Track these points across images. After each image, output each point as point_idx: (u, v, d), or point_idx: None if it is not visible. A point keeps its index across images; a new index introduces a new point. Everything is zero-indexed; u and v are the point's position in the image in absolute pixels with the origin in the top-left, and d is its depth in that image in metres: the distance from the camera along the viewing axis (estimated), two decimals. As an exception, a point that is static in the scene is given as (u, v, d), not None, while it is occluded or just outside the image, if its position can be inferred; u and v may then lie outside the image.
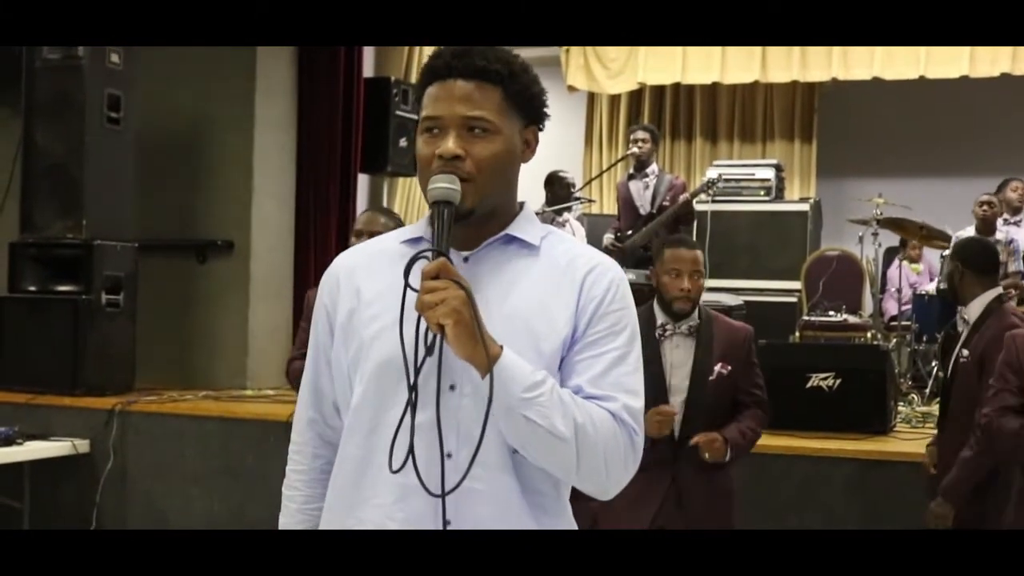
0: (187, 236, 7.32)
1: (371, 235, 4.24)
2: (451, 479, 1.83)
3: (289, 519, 2.13)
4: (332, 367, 2.04)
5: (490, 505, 1.88)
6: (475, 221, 1.94)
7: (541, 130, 2.05)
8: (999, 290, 4.54)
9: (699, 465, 3.99)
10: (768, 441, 5.27)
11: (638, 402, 1.93)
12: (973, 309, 4.46)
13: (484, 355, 1.79)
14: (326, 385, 2.07)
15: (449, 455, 1.85)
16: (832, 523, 4.97)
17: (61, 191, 6.34)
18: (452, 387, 1.89)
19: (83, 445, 6.01)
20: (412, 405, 1.83)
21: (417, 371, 1.82)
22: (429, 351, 1.82)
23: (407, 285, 1.83)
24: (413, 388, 1.83)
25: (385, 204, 8.91)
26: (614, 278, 1.97)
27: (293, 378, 4.50)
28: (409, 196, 10.22)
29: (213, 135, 7.33)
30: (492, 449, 1.87)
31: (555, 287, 1.94)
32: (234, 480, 5.82)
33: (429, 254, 1.83)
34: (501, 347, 1.82)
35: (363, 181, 8.38)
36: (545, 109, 2.03)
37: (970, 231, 7.75)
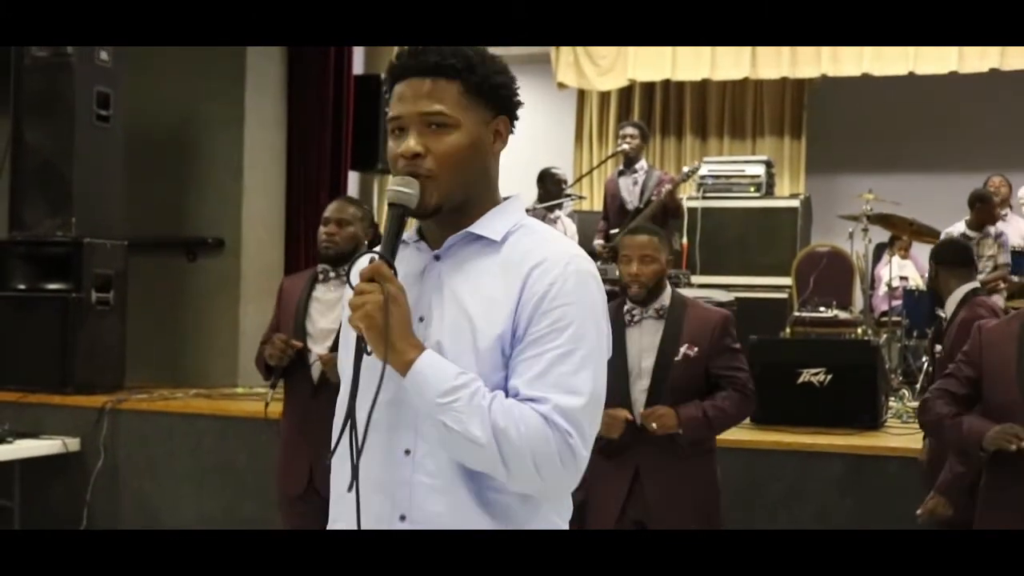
0: (177, 234, 7.31)
1: (339, 223, 4.31)
2: (405, 474, 1.90)
3: None
4: None
5: (441, 502, 1.89)
6: (446, 218, 1.94)
7: (516, 120, 2.01)
8: (974, 284, 4.62)
9: (665, 451, 3.89)
10: (759, 436, 5.29)
11: (576, 401, 1.86)
12: (948, 304, 4.55)
13: (398, 359, 1.84)
14: None
15: (408, 451, 1.90)
16: (823, 518, 4.98)
17: (50, 189, 6.33)
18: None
19: (73, 443, 6.00)
20: (349, 412, 1.86)
21: (356, 370, 1.86)
22: (363, 351, 1.87)
23: (349, 285, 1.91)
24: (355, 382, 1.86)
25: (375, 201, 8.91)
26: (561, 273, 1.89)
27: (257, 361, 4.51)
28: (399, 193, 10.20)
29: (203, 133, 7.31)
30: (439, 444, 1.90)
31: (503, 283, 1.91)
32: (225, 478, 5.82)
33: (375, 256, 1.89)
34: (422, 351, 1.85)
35: (353, 178, 8.37)
36: (516, 98, 2.00)
37: (960, 227, 7.77)
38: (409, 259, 1.98)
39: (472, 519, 1.89)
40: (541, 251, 1.92)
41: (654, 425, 3.84)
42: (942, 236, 7.71)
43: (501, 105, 1.97)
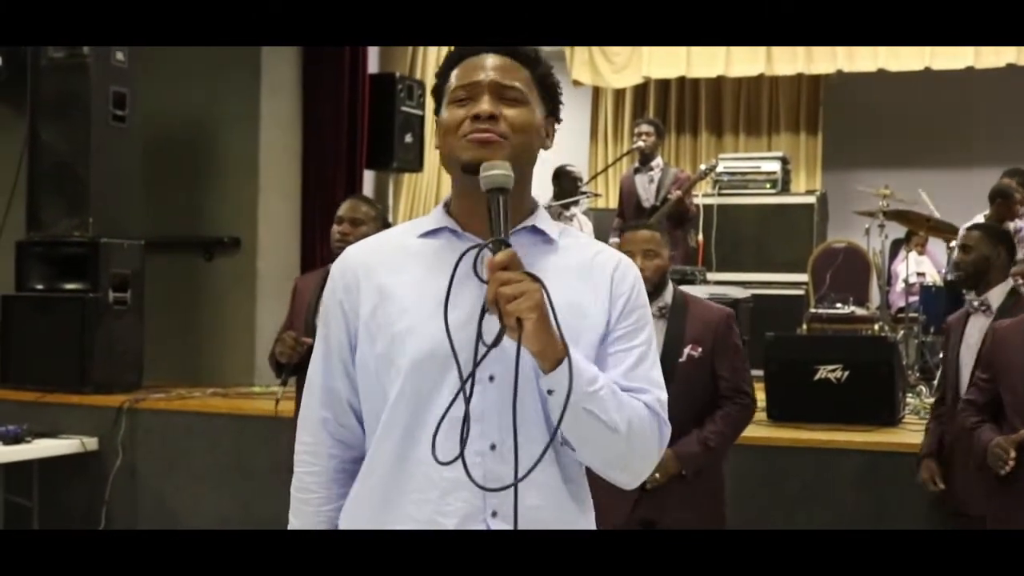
0: (194, 233, 7.33)
1: (352, 222, 4.30)
2: (497, 470, 1.84)
3: (305, 521, 2.05)
4: (356, 365, 1.98)
5: (537, 496, 1.87)
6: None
7: (559, 122, 2.05)
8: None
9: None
10: (776, 433, 5.28)
11: (664, 395, 1.96)
12: (995, 294, 4.46)
13: (557, 348, 1.79)
14: (340, 384, 2.01)
15: (493, 446, 1.86)
16: (841, 516, 4.96)
17: (67, 189, 6.35)
18: (491, 378, 1.87)
19: (92, 443, 6.02)
20: (466, 398, 1.80)
21: (477, 363, 1.78)
22: (495, 343, 1.77)
23: (478, 276, 1.81)
24: (471, 377, 1.80)
25: (391, 200, 8.92)
26: (636, 275, 2.01)
27: (270, 358, 4.53)
28: (415, 192, 10.23)
29: (219, 133, 7.34)
30: (536, 439, 1.84)
31: (584, 282, 1.94)
32: (243, 477, 5.83)
33: (489, 245, 1.80)
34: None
35: (369, 177, 8.38)
36: (561, 104, 2.05)
37: (979, 221, 7.73)
38: (454, 247, 1.92)
39: (565, 511, 1.92)
40: (609, 253, 2.02)
41: (657, 475, 3.67)
42: (960, 232, 7.69)
43: (553, 105, 2.02)
